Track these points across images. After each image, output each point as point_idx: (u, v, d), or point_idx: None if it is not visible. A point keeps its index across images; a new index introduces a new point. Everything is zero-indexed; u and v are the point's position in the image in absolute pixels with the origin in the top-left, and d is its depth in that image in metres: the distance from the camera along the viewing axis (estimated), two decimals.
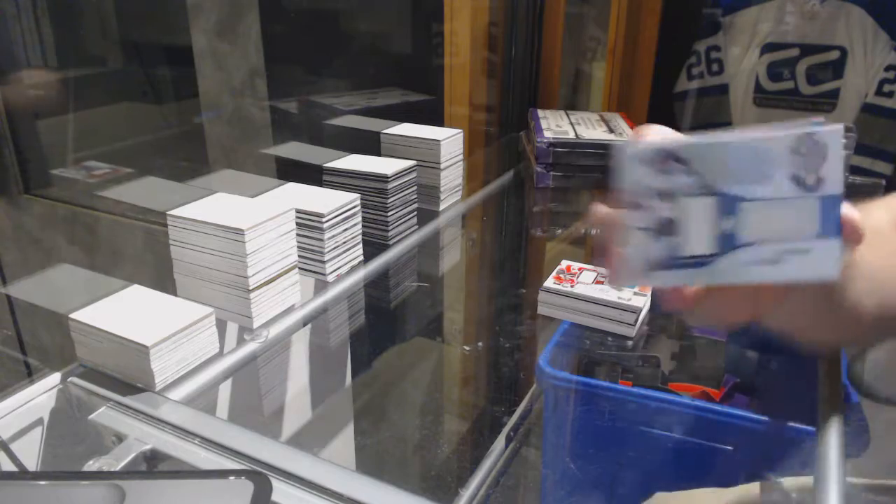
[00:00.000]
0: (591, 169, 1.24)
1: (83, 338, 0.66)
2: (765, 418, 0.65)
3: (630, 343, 0.79)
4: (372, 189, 0.98)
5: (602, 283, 0.83)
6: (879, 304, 0.44)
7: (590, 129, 1.32)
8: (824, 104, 1.49)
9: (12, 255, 1.91)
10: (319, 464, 0.55)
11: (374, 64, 1.90)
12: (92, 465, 0.56)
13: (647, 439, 0.70)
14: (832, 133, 0.35)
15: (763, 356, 0.86)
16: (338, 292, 0.86)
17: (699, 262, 0.37)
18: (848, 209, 0.36)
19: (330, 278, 0.86)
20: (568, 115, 1.41)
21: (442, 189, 1.11)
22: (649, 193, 0.37)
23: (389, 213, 0.99)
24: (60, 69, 2.02)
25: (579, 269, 0.88)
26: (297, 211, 0.81)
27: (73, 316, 0.67)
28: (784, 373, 0.83)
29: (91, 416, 0.62)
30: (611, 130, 1.32)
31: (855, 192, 1.22)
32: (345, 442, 1.04)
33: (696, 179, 0.36)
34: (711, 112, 1.57)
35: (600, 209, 0.39)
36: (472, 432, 1.12)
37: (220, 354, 0.70)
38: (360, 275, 0.90)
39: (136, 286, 0.71)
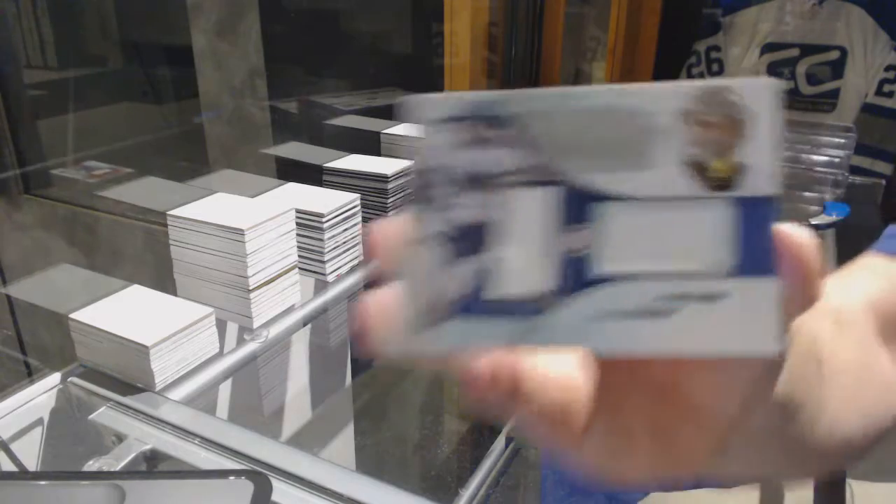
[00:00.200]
0: None
1: (83, 338, 0.66)
2: None
3: None
4: (372, 189, 0.98)
5: None
6: (864, 423, 0.30)
7: None
8: (824, 104, 1.49)
9: (12, 255, 1.91)
10: (319, 464, 0.55)
11: (374, 64, 1.90)
12: (92, 465, 0.56)
13: None
14: (759, 89, 0.20)
15: None
16: (338, 292, 0.86)
17: (524, 306, 0.21)
18: (791, 228, 0.20)
19: (330, 278, 0.86)
20: None
21: None
22: (447, 181, 0.21)
23: (390, 213, 0.99)
24: (60, 69, 2.02)
25: None
26: (297, 211, 0.81)
27: (73, 316, 0.67)
28: None
29: (91, 416, 0.62)
30: None
31: (855, 193, 1.22)
32: (345, 442, 1.04)
33: (526, 158, 0.21)
34: None
35: (382, 226, 0.22)
36: (472, 432, 1.12)
37: (220, 354, 0.70)
38: (360, 275, 0.90)
39: (136, 286, 0.71)
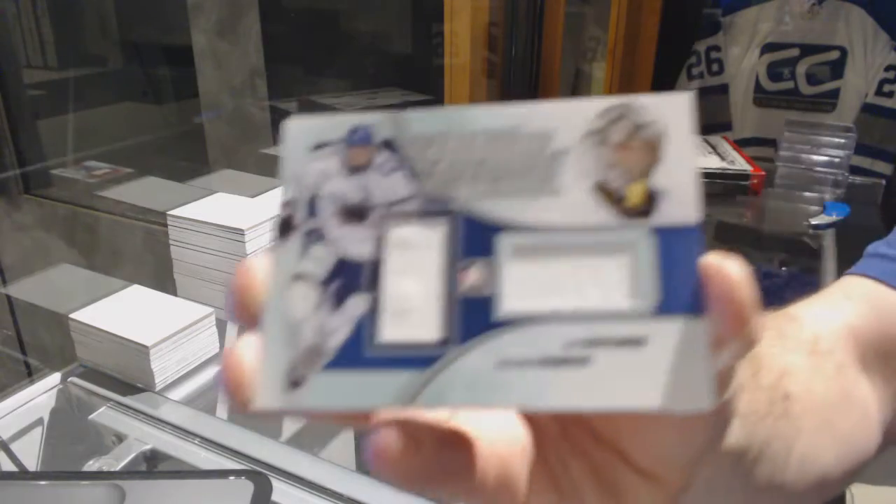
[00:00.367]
0: None
1: (83, 338, 0.66)
2: None
3: None
4: None
5: None
6: (841, 454, 0.28)
7: None
8: (824, 104, 1.49)
9: (12, 256, 1.91)
10: (319, 464, 0.55)
11: (374, 64, 1.90)
12: (92, 465, 0.56)
13: None
14: (670, 106, 0.18)
15: None
16: None
17: (415, 356, 0.17)
18: (719, 260, 0.17)
19: None
20: None
21: None
22: (320, 213, 0.19)
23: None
24: (60, 69, 2.02)
25: None
26: None
27: (73, 316, 0.67)
28: None
29: (91, 416, 0.62)
30: None
31: (855, 193, 1.23)
32: (345, 442, 1.04)
33: (413, 185, 0.18)
34: (711, 112, 1.57)
35: (245, 267, 0.19)
36: None
37: (220, 354, 0.70)
38: None
39: (136, 286, 0.71)
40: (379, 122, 0.19)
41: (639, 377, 0.16)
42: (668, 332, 0.16)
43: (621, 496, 0.21)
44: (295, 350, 0.17)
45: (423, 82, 1.78)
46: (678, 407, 0.16)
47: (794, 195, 1.20)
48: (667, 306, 0.17)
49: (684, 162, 0.17)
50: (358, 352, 0.17)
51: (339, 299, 0.18)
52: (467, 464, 0.19)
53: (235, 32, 1.68)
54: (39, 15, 1.96)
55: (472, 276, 0.18)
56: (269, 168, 1.55)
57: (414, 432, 0.17)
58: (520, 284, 0.17)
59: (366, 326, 0.17)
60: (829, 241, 1.06)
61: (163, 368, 0.64)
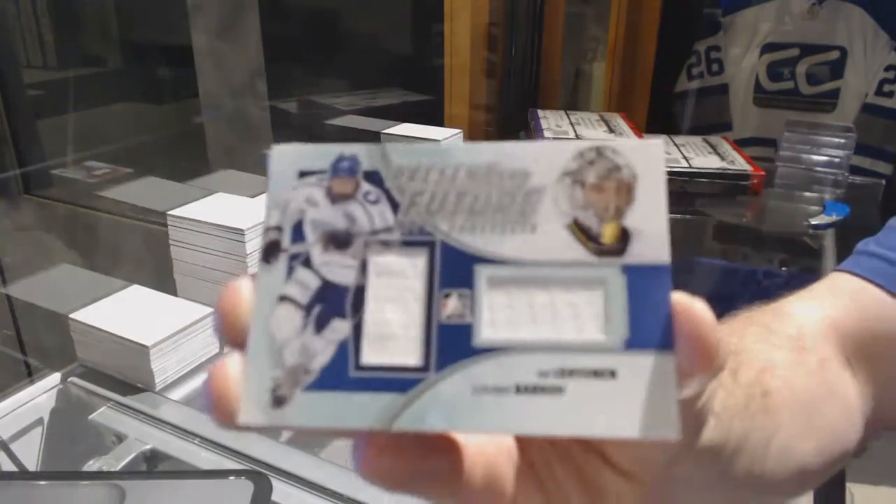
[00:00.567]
0: None
1: (83, 338, 0.67)
2: None
3: None
4: None
5: None
6: (822, 446, 0.28)
7: (590, 129, 1.32)
8: (824, 104, 1.49)
9: (12, 255, 1.91)
10: (319, 464, 0.55)
11: (374, 64, 1.90)
12: (92, 465, 0.56)
13: None
14: (643, 151, 0.19)
15: None
16: None
17: (395, 380, 0.18)
18: (686, 299, 0.18)
19: None
20: (568, 115, 1.41)
21: None
22: (305, 239, 0.19)
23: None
24: (60, 69, 2.02)
25: None
26: None
27: (73, 316, 0.67)
28: None
29: (91, 416, 0.62)
30: (611, 130, 1.32)
31: (855, 193, 1.22)
32: (345, 442, 1.04)
33: (398, 214, 0.19)
34: (711, 112, 1.57)
35: (231, 290, 0.19)
36: None
37: (221, 354, 0.70)
38: None
39: (136, 286, 0.71)
40: (363, 153, 0.20)
41: (610, 407, 0.17)
42: (638, 365, 0.17)
43: (604, 495, 0.22)
44: (280, 369, 0.18)
45: (423, 82, 1.78)
46: (647, 435, 0.17)
47: (794, 195, 1.20)
48: (636, 341, 0.18)
49: (656, 204, 0.18)
50: (340, 373, 0.18)
51: (323, 322, 0.19)
52: (454, 466, 0.19)
53: (235, 32, 1.68)
54: (39, 15, 1.96)
55: (451, 305, 0.18)
56: None
57: (400, 437, 0.18)
58: (497, 314, 0.18)
59: (348, 349, 0.18)
60: (829, 241, 1.06)
61: (163, 368, 0.64)
